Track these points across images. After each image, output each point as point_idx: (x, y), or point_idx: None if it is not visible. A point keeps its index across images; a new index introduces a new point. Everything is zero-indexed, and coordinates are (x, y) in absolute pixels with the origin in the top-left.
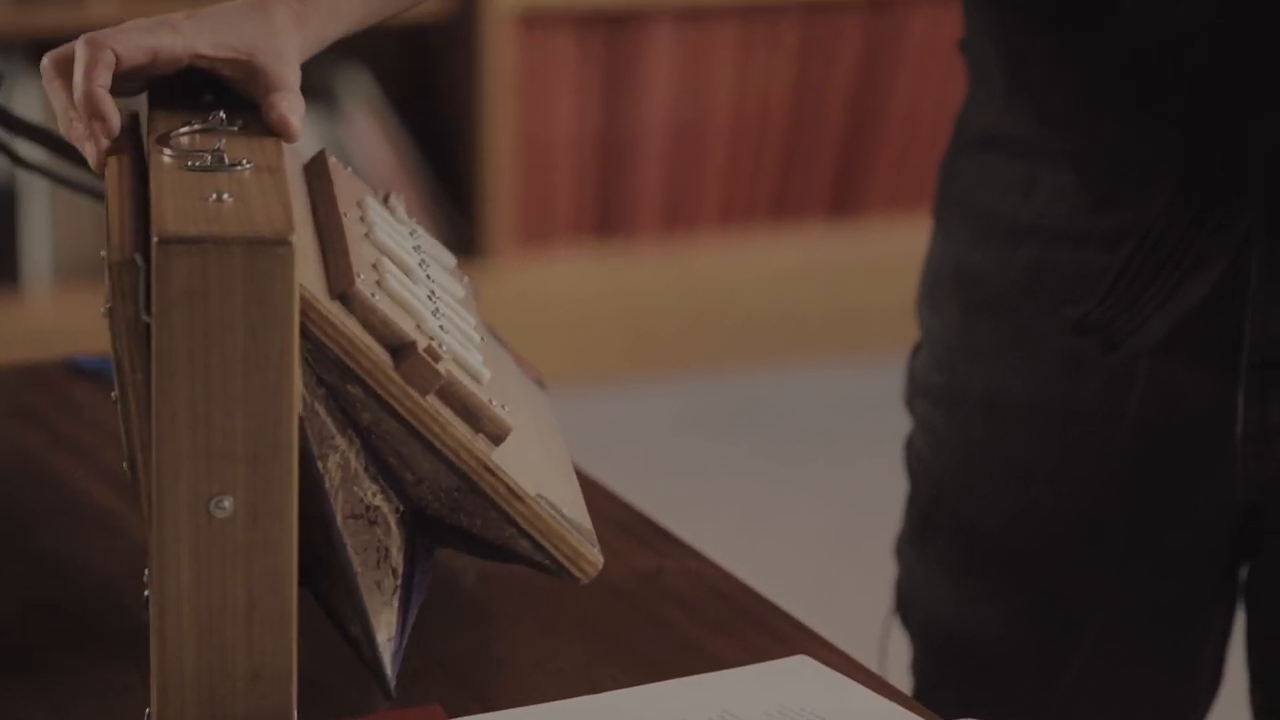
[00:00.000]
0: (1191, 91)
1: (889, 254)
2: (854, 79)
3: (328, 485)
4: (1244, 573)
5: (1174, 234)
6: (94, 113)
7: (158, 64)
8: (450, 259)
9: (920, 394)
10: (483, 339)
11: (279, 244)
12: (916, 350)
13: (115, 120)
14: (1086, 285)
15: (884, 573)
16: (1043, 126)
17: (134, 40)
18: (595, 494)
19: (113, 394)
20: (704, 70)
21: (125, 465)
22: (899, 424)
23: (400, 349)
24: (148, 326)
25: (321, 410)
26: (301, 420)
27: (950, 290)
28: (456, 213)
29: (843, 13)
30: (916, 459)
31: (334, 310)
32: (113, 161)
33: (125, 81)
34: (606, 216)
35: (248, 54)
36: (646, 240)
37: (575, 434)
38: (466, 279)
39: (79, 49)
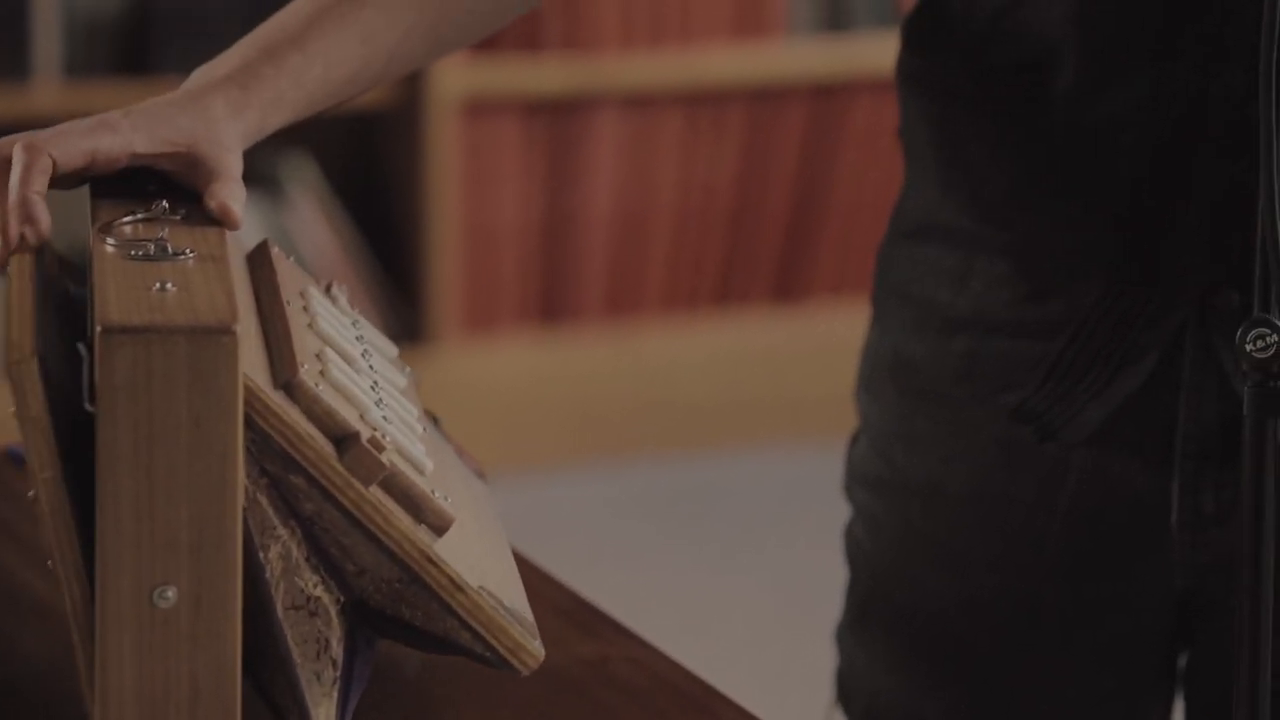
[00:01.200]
0: (1123, 182)
1: (832, 340)
2: (797, 166)
3: (268, 575)
4: (1182, 661)
5: (1109, 325)
6: (26, 218)
7: (96, 166)
8: (392, 349)
9: (858, 482)
10: (424, 429)
11: (223, 333)
12: (855, 438)
13: (46, 224)
14: (1022, 375)
15: (827, 660)
16: (978, 217)
17: (72, 143)
18: (540, 581)
19: (30, 493)
20: (648, 157)
21: (49, 562)
22: (841, 510)
23: (344, 439)
24: (51, 424)
25: (264, 500)
26: (243, 510)
27: (888, 378)
28: (401, 299)
29: (786, 101)
30: (855, 546)
31: (278, 400)
32: (16, 260)
33: (63, 182)
34: (551, 302)
35: (187, 146)
36: (591, 326)
37: (520, 520)
38: (408, 369)
39: (16, 153)
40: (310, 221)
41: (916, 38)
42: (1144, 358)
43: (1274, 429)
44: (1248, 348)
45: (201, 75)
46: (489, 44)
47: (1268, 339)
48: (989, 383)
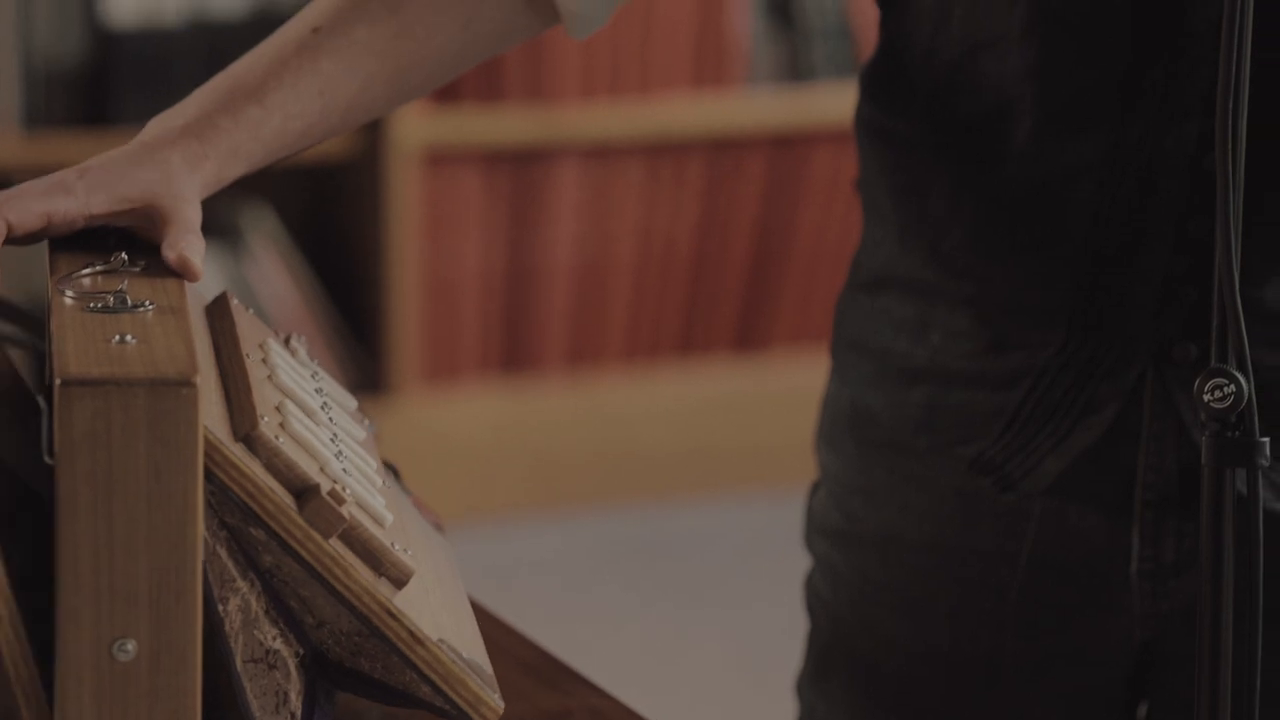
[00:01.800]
0: (1081, 234)
1: (793, 389)
2: (757, 216)
3: (228, 628)
4: (1142, 710)
5: (1068, 376)
6: None
7: (52, 228)
8: (351, 401)
9: (818, 532)
10: (384, 482)
11: (183, 385)
12: (814, 489)
13: None
14: (981, 425)
15: (788, 710)
16: (936, 268)
17: (28, 206)
18: (500, 633)
19: None
20: (609, 207)
21: None
22: (802, 560)
23: (304, 492)
24: None
25: (223, 552)
26: (202, 562)
27: (846, 430)
28: (361, 349)
29: (746, 151)
30: (815, 597)
31: (238, 453)
32: None
33: (19, 241)
34: (512, 352)
35: (144, 200)
36: (552, 376)
37: (481, 570)
38: (367, 421)
39: None
40: (270, 272)
41: (875, 89)
42: (1103, 409)
43: (1232, 478)
44: (1206, 398)
45: (158, 125)
46: (449, 94)
47: (1225, 389)
48: (948, 433)
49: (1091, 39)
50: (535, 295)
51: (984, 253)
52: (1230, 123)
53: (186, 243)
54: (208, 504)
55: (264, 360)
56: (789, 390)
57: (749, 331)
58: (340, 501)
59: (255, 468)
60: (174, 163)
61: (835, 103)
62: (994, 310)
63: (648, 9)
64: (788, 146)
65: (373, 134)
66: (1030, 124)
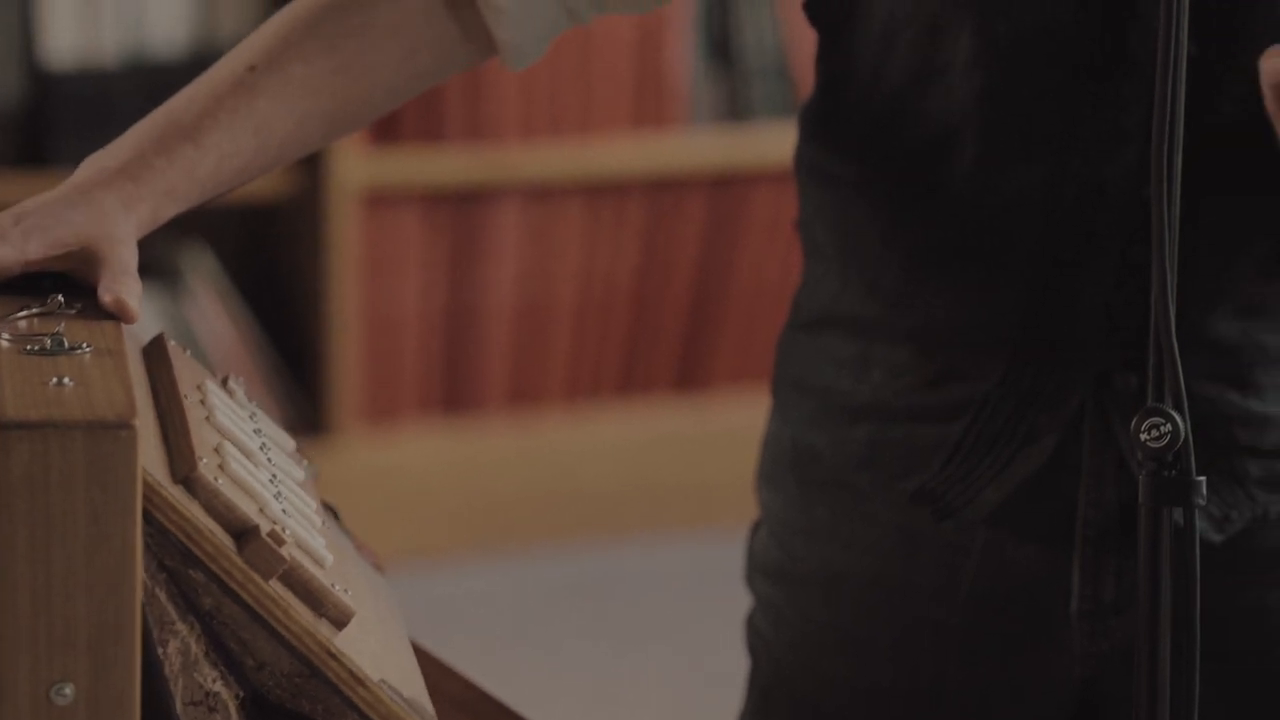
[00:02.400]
0: (1021, 264)
1: (734, 429)
2: (698, 256)
3: (167, 671)
4: None
5: (1008, 407)
6: None
7: None
8: (289, 442)
9: (759, 571)
10: (323, 522)
11: (121, 428)
12: (755, 528)
13: None
14: (923, 459)
15: None
16: (876, 304)
17: None
18: (440, 673)
19: None
20: (550, 247)
21: None
22: (744, 598)
23: (243, 533)
24: None
25: (162, 595)
26: (141, 605)
27: (788, 469)
28: (301, 390)
29: (686, 191)
30: (757, 636)
31: (177, 495)
32: None
33: None
34: (453, 392)
35: (80, 244)
36: (493, 416)
37: (422, 611)
38: (305, 462)
39: None
40: (209, 312)
41: (814, 127)
42: (1043, 439)
43: (1169, 518)
44: (1142, 437)
45: (91, 166)
46: (389, 134)
47: (1161, 428)
48: (890, 469)
49: (1036, 68)
50: (476, 335)
51: (924, 286)
52: (1167, 156)
53: (123, 285)
54: (147, 546)
55: (202, 401)
56: (730, 429)
57: (690, 371)
58: (280, 542)
59: (194, 510)
60: (108, 205)
61: (775, 143)
62: (935, 343)
63: (587, 49)
64: (728, 186)
65: (312, 174)
66: (973, 154)
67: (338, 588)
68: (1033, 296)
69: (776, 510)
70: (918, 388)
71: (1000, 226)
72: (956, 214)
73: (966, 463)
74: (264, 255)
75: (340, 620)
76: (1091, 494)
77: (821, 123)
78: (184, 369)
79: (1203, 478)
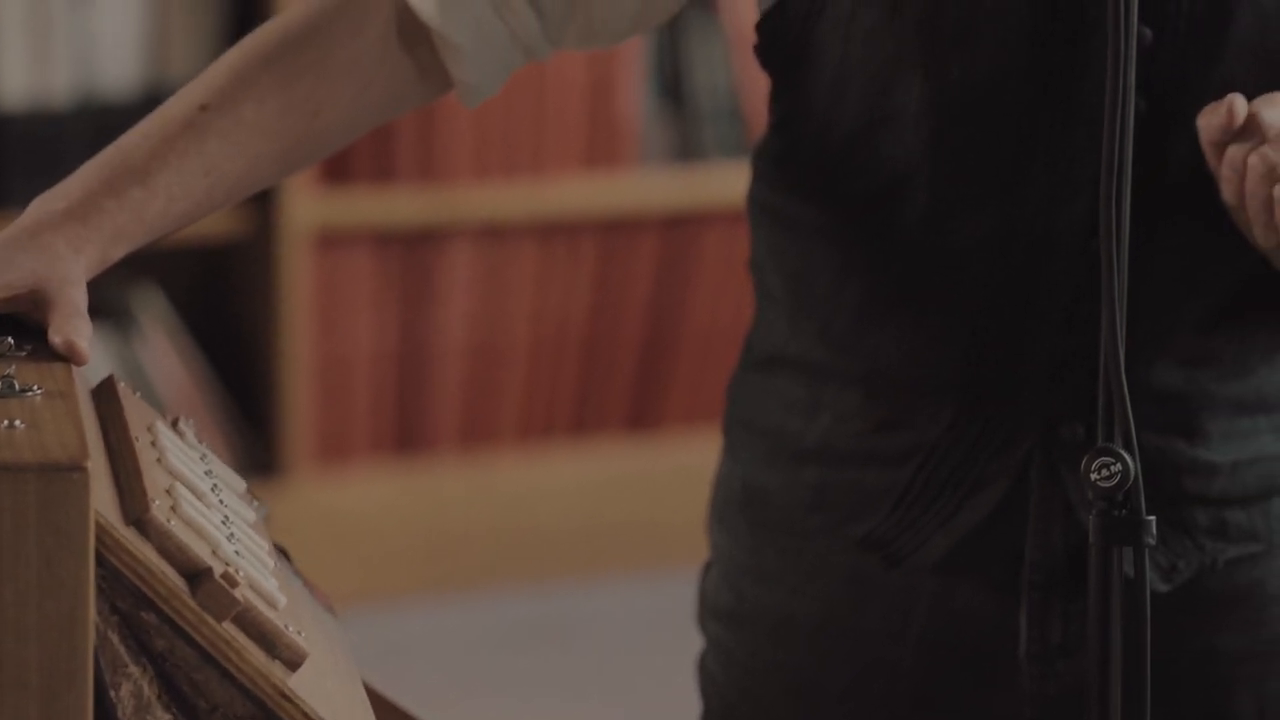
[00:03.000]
0: (970, 311)
1: (687, 469)
2: (650, 296)
3: (120, 715)
4: None
5: (957, 454)
6: None
7: None
8: (241, 483)
9: (710, 613)
10: (275, 564)
11: (74, 470)
12: (707, 569)
13: None
14: (871, 504)
15: None
16: (827, 347)
17: None
18: (394, 716)
19: None
20: (502, 287)
21: None
22: (696, 640)
23: (196, 575)
24: None
25: (114, 638)
26: (94, 648)
27: (738, 510)
28: (253, 430)
29: (639, 231)
30: (708, 678)
31: (129, 537)
32: None
33: None
34: (405, 433)
35: (29, 287)
36: (446, 456)
37: (375, 652)
38: (257, 503)
39: None
40: (160, 353)
41: (766, 168)
42: (991, 486)
43: (1119, 558)
44: (1092, 476)
45: (40, 208)
46: (341, 174)
47: (1111, 468)
48: (839, 513)
49: (988, 117)
50: (428, 375)
51: (874, 331)
52: (1115, 205)
53: (73, 326)
54: (99, 588)
55: (153, 443)
56: (683, 469)
57: (642, 410)
58: (233, 584)
59: (147, 551)
60: (58, 246)
61: (727, 183)
62: (884, 389)
63: (540, 90)
64: (680, 226)
65: (263, 214)
66: (924, 200)
67: (291, 629)
68: (982, 344)
69: (727, 551)
70: (866, 432)
71: (950, 273)
72: (907, 259)
73: (914, 509)
74: (215, 295)
75: (294, 662)
76: (1039, 539)
77: (774, 164)
78: (134, 410)
79: (1152, 517)
